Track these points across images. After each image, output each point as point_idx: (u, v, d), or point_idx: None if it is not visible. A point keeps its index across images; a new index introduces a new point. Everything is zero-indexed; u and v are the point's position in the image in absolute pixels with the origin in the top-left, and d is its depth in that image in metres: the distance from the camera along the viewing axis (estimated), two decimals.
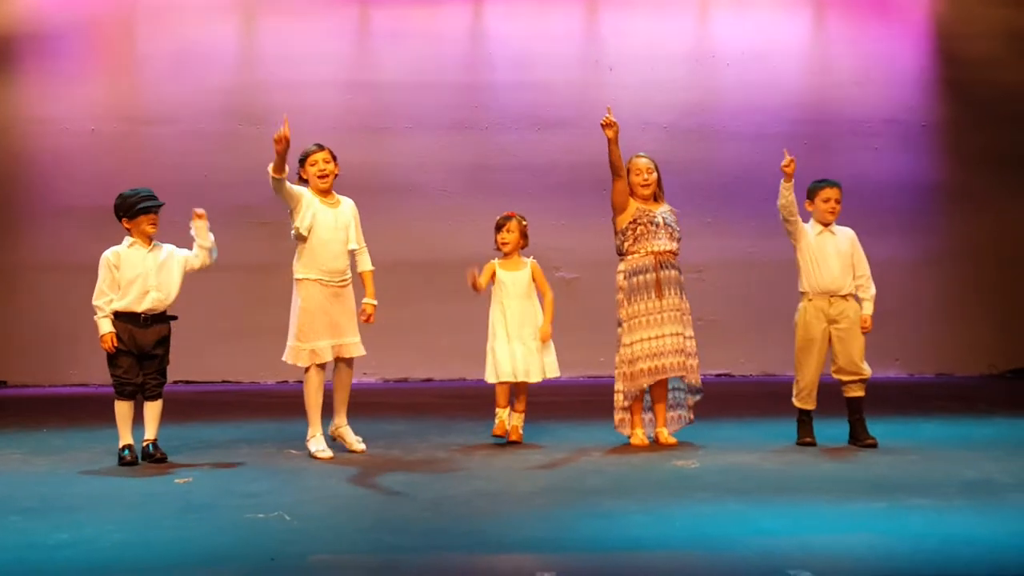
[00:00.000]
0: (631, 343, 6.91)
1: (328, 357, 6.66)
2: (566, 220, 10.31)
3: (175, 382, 9.78)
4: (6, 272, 10.34)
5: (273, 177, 6.56)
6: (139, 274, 6.46)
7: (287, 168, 6.58)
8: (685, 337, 6.97)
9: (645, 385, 6.92)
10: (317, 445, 6.67)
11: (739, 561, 4.46)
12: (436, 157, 10.56)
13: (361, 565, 4.47)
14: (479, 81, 10.70)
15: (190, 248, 6.69)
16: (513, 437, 7.01)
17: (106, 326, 6.43)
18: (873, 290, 7.00)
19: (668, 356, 6.90)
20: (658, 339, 6.90)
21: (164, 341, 6.55)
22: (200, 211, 6.66)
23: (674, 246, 6.98)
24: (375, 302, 6.88)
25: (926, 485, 5.76)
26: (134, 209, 6.51)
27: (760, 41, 10.76)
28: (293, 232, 6.71)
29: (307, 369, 6.68)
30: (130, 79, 10.52)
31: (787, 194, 6.87)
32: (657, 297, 6.90)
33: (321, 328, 6.63)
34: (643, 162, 7.04)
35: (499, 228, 7.10)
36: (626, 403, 6.98)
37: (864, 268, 7.01)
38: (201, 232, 6.65)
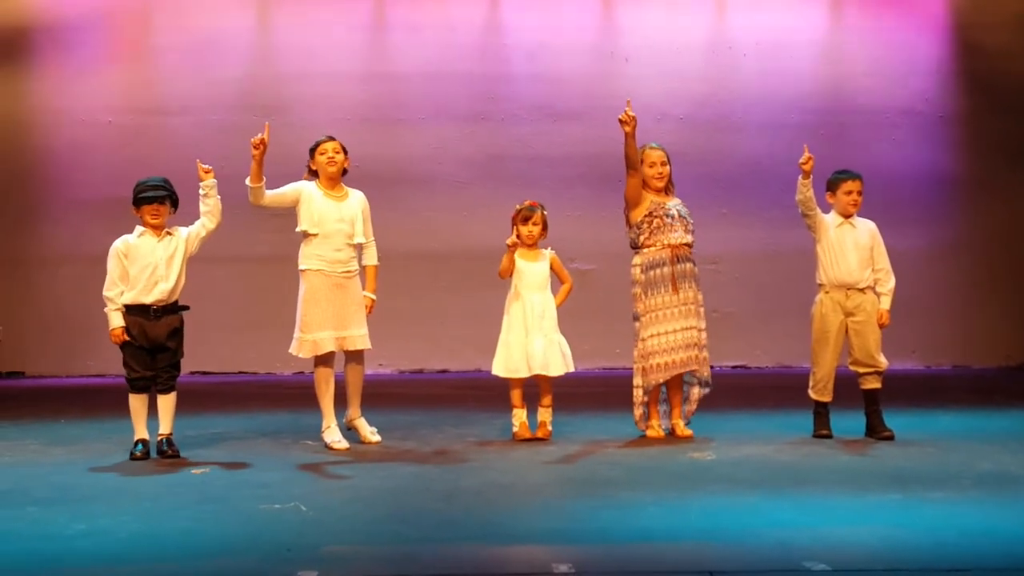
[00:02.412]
0: (647, 337, 6.89)
1: (329, 348, 6.63)
2: (581, 211, 10.30)
3: (191, 373, 9.80)
4: (23, 263, 10.38)
5: (250, 187, 6.56)
6: (148, 264, 6.41)
7: (264, 178, 6.57)
8: (699, 330, 6.97)
9: (660, 380, 6.90)
10: (332, 436, 6.68)
11: (754, 553, 4.45)
12: (451, 148, 10.55)
13: (376, 556, 4.48)
14: (494, 72, 10.68)
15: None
16: (541, 434, 6.92)
17: (116, 320, 6.39)
18: (892, 284, 6.96)
19: (682, 351, 6.88)
20: (673, 334, 6.88)
21: (176, 333, 6.49)
22: (207, 167, 6.59)
23: (689, 238, 6.95)
24: (374, 297, 6.85)
25: (942, 477, 5.74)
26: (136, 198, 6.49)
27: (777, 32, 10.72)
28: (298, 229, 6.72)
29: (314, 360, 6.69)
30: (146, 71, 10.55)
31: (805, 190, 6.84)
32: (673, 291, 6.88)
33: (323, 319, 6.62)
34: (657, 154, 7.01)
35: (525, 220, 6.97)
36: (645, 398, 6.97)
37: (883, 261, 6.97)
38: (206, 190, 6.56)
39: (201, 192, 6.60)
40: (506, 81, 10.68)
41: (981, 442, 6.71)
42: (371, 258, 6.87)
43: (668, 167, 7.01)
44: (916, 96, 10.77)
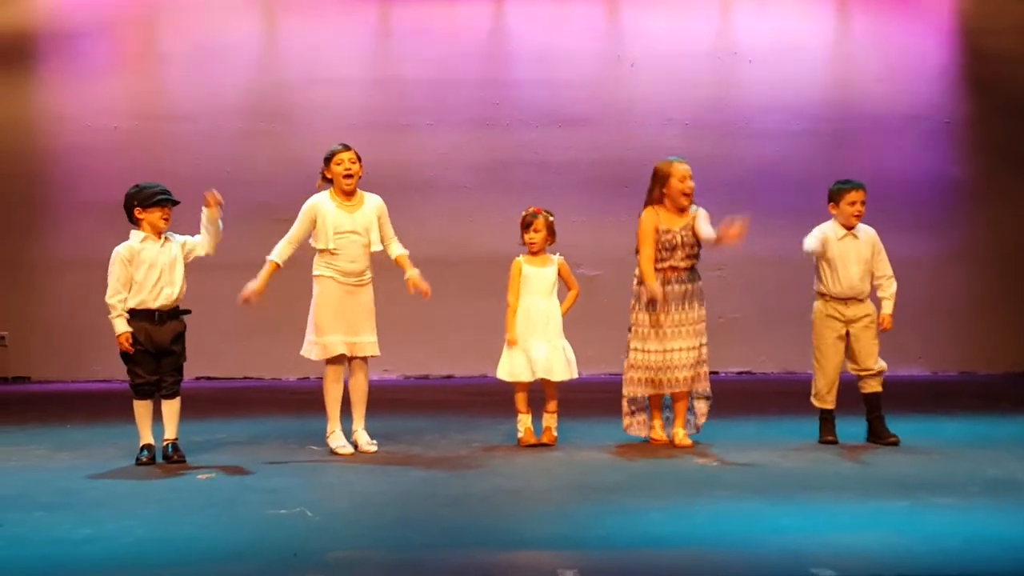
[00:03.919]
0: (633, 350, 6.86)
1: (338, 351, 6.64)
2: (587, 217, 10.29)
3: (196, 378, 9.81)
4: (29, 268, 10.40)
5: (278, 264, 6.68)
6: (153, 268, 6.41)
7: (280, 264, 6.67)
8: (692, 348, 6.81)
9: (639, 394, 6.86)
10: (337, 441, 6.69)
11: (760, 559, 4.45)
12: (457, 154, 10.56)
13: (382, 561, 4.49)
14: (500, 78, 10.69)
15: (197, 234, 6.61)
16: (546, 439, 6.91)
17: (121, 325, 6.37)
18: (893, 288, 6.93)
19: (667, 371, 6.78)
20: (657, 353, 6.79)
21: (180, 338, 6.48)
22: (216, 195, 6.48)
23: (689, 263, 6.80)
24: (416, 272, 6.74)
25: (949, 484, 5.73)
26: (151, 200, 6.42)
27: (782, 37, 10.71)
28: (313, 244, 6.73)
29: (325, 363, 6.70)
30: (152, 77, 10.56)
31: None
32: (661, 312, 6.82)
33: (334, 323, 6.63)
34: (686, 168, 6.78)
35: (527, 227, 6.96)
36: (631, 408, 6.94)
37: (885, 268, 6.93)
38: (212, 219, 6.51)
39: (205, 218, 6.54)
40: (512, 87, 10.68)
41: (988, 448, 6.70)
42: (398, 249, 6.81)
43: (692, 182, 6.82)
44: (922, 102, 10.75)
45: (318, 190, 6.78)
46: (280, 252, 6.70)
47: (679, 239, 6.78)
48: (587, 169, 10.48)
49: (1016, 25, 10.80)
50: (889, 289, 6.93)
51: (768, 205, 10.37)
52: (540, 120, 10.62)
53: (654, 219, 6.78)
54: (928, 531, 4.83)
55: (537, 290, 6.93)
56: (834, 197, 6.92)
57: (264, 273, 6.66)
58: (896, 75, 10.76)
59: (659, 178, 6.81)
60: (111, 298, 6.41)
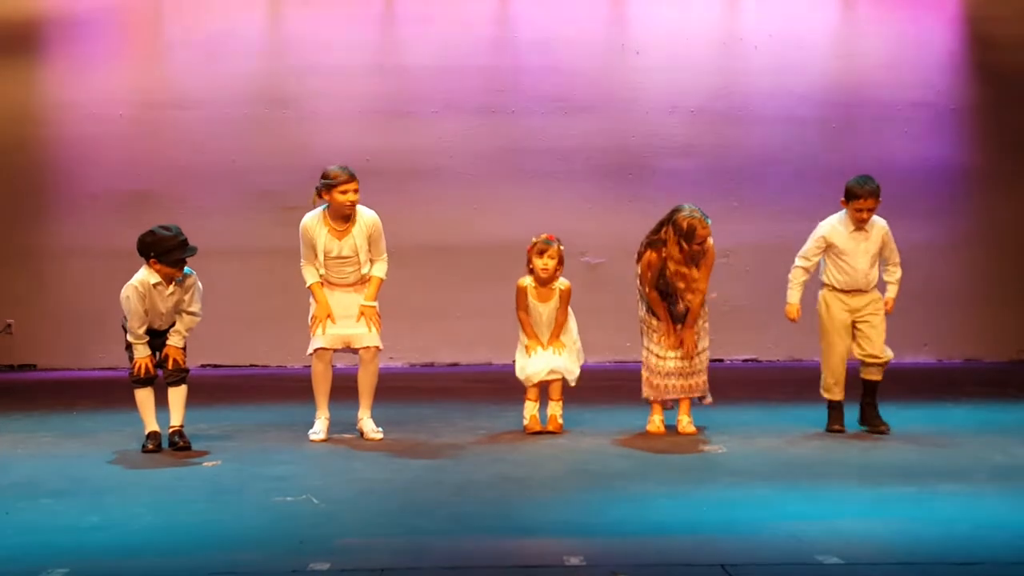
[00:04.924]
0: (646, 346, 6.88)
1: (326, 344, 6.70)
2: (592, 204, 10.28)
3: (201, 366, 9.82)
4: (35, 256, 10.40)
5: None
6: (155, 311, 6.43)
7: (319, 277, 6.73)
8: (685, 359, 6.83)
9: (652, 397, 6.89)
10: (313, 428, 6.78)
11: (766, 546, 4.45)
12: (462, 141, 10.54)
13: (388, 548, 4.49)
14: (505, 65, 10.66)
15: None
16: (551, 427, 6.91)
17: (143, 351, 6.43)
18: (899, 275, 6.93)
19: (669, 377, 6.82)
20: (660, 359, 6.83)
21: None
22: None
23: (683, 297, 6.80)
24: (372, 304, 6.74)
25: (955, 470, 5.73)
26: (172, 257, 6.36)
27: (788, 24, 10.67)
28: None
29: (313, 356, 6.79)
30: (157, 64, 10.54)
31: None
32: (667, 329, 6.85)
33: (325, 320, 6.71)
34: (707, 231, 6.66)
35: (540, 253, 6.84)
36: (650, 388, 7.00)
37: (895, 257, 6.91)
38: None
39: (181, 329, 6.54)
40: (517, 74, 10.65)
41: (994, 435, 6.70)
42: (378, 271, 6.79)
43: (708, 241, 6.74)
44: (928, 88, 10.71)
45: (312, 206, 6.75)
46: (313, 272, 6.74)
47: (681, 284, 6.78)
48: (592, 156, 10.46)
49: (1021, 12, 10.75)
50: (895, 275, 6.93)
51: (774, 192, 10.35)
52: (545, 107, 10.59)
53: (658, 264, 6.74)
54: (934, 518, 4.83)
55: (541, 324, 6.93)
56: (847, 195, 6.84)
57: (319, 295, 6.71)
58: (902, 61, 10.72)
59: (680, 231, 6.66)
60: (139, 329, 6.41)
